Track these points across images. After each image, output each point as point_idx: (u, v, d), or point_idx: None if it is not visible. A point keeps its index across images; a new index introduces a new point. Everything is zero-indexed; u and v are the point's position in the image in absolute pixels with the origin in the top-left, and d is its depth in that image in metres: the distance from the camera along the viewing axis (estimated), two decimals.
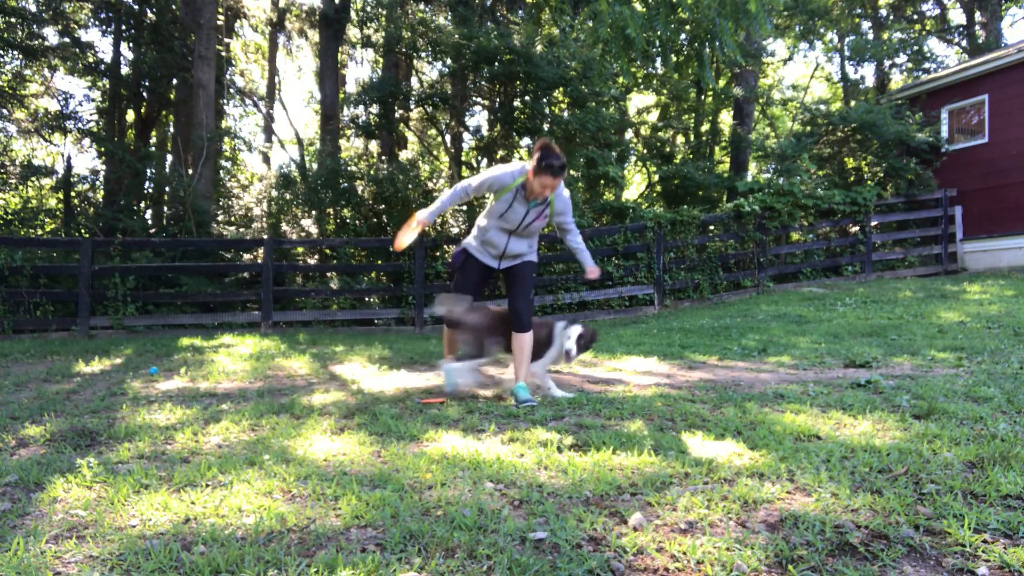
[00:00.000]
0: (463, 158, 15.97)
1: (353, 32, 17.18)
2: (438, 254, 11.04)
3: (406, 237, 3.98)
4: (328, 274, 11.36)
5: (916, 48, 20.24)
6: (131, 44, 15.24)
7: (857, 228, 12.51)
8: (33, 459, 2.70)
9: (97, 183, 14.99)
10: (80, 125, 15.45)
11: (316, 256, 12.32)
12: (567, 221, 4.16)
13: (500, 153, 13.89)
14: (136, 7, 14.51)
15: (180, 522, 1.99)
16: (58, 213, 14.60)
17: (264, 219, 13.03)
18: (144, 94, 15.41)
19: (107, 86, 15.60)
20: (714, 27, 6.55)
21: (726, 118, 20.32)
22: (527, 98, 12.83)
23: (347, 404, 3.88)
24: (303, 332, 9.08)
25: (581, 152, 12.04)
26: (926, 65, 20.11)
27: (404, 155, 16.93)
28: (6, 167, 14.22)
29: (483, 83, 13.39)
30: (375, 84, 13.97)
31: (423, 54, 14.63)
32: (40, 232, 13.74)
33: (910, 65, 20.92)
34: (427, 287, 10.30)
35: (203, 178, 11.83)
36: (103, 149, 14.28)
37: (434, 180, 12.46)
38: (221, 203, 13.33)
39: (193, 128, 12.07)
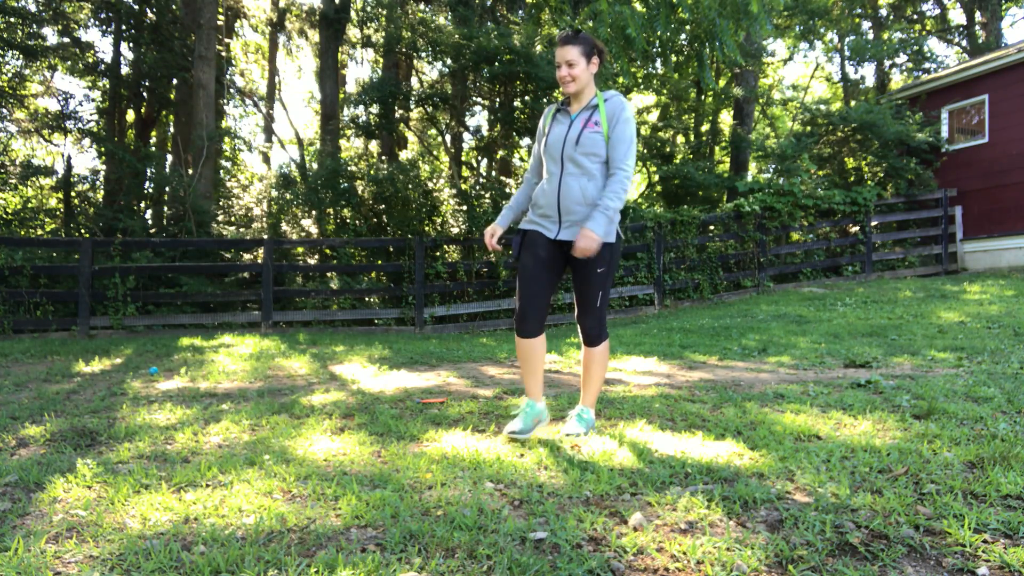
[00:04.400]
0: (463, 158, 15.98)
1: (353, 32, 17.19)
2: (438, 254, 11.04)
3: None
4: (328, 274, 11.36)
5: (916, 48, 20.25)
6: (131, 44, 15.24)
7: (857, 228, 12.51)
8: (33, 459, 2.70)
9: (97, 183, 14.99)
10: (80, 125, 15.45)
11: (316, 256, 12.32)
12: (614, 145, 2.90)
13: (500, 153, 13.90)
14: (136, 7, 14.51)
15: (180, 522, 1.99)
16: (58, 213, 14.60)
17: (264, 219, 13.02)
18: (144, 94, 15.42)
19: (107, 86, 15.61)
20: (714, 27, 6.55)
21: (726, 118, 20.32)
22: (527, 98, 12.83)
23: (347, 404, 3.88)
24: (303, 332, 9.08)
25: None
26: (926, 65, 20.11)
27: (404, 155, 16.94)
28: (6, 167, 14.22)
29: (483, 83, 13.39)
30: (375, 84, 13.97)
31: (423, 54, 14.63)
32: (40, 232, 13.74)
33: (910, 65, 20.92)
34: (427, 287, 10.30)
35: (203, 178, 11.83)
36: (103, 149, 14.28)
37: (434, 180, 12.46)
38: (221, 203, 13.33)
39: (193, 128, 12.07)
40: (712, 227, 12.32)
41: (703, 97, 18.15)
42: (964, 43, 21.26)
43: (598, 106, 2.96)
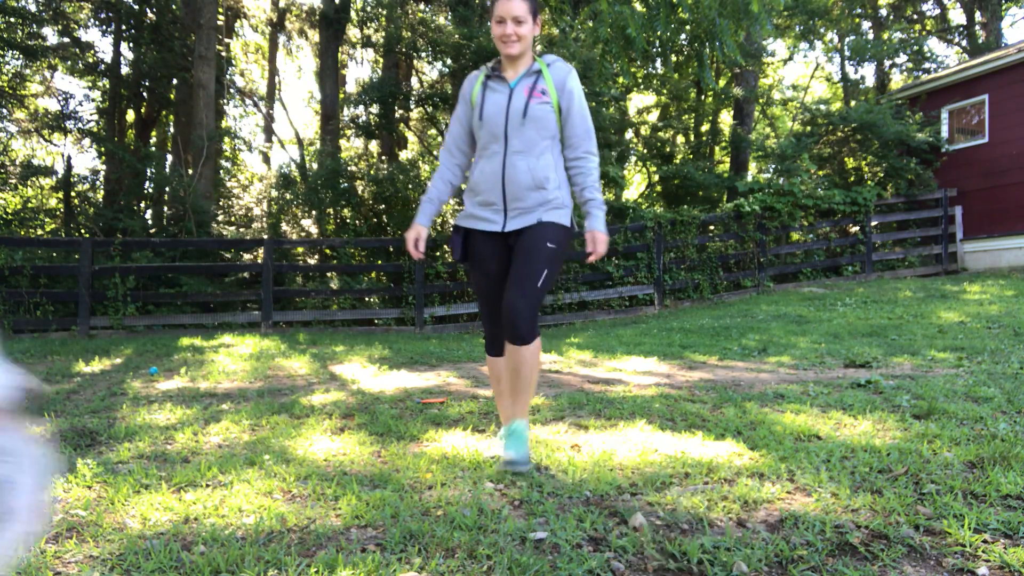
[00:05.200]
0: None
1: (353, 32, 17.18)
2: (438, 254, 11.04)
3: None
4: (328, 274, 11.36)
5: (916, 48, 20.25)
6: (131, 44, 15.24)
7: (857, 228, 12.51)
8: None
9: (97, 183, 15.00)
10: (80, 125, 15.46)
11: (316, 256, 12.32)
12: (575, 125, 2.55)
13: None
14: (136, 7, 14.51)
15: (180, 522, 1.99)
16: (58, 213, 14.61)
17: (264, 219, 13.03)
18: (144, 94, 15.42)
19: (107, 86, 15.61)
20: (714, 27, 6.55)
21: (726, 118, 20.32)
22: None
23: (347, 404, 3.88)
24: (303, 332, 9.08)
25: None
26: (926, 65, 20.12)
27: (404, 155, 16.93)
28: (6, 167, 14.22)
29: None
30: (375, 84, 13.97)
31: (423, 54, 14.62)
32: (40, 232, 13.74)
33: (910, 65, 20.93)
34: (427, 287, 10.30)
35: (203, 178, 11.83)
36: (103, 149, 14.29)
37: None
38: (221, 203, 13.33)
39: (193, 128, 12.07)
40: (712, 227, 12.32)
41: (703, 97, 18.15)
42: (964, 43, 21.26)
43: (541, 72, 2.54)
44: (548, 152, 2.53)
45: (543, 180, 2.51)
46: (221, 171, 15.45)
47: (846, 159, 14.62)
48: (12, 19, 13.36)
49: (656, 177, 16.94)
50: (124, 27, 14.82)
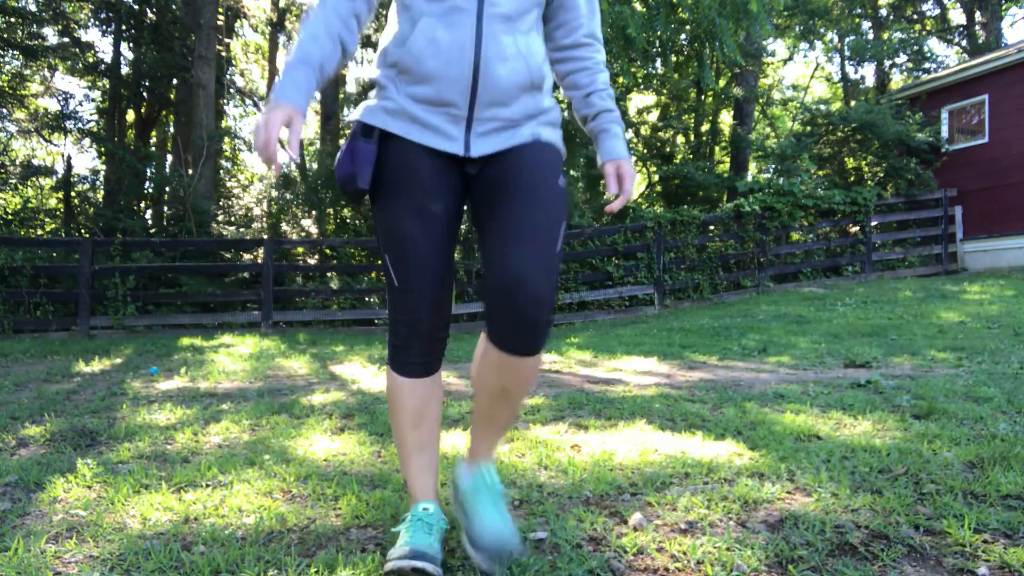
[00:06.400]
0: None
1: None
2: None
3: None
4: (328, 274, 11.36)
5: (916, 48, 20.26)
6: (131, 44, 15.26)
7: (857, 228, 12.51)
8: (33, 459, 2.70)
9: (97, 183, 15.02)
10: (80, 125, 15.49)
11: (316, 256, 12.32)
12: (577, 2, 1.57)
13: None
14: (136, 7, 14.52)
15: (180, 522, 1.99)
16: (58, 213, 14.61)
17: (264, 219, 13.03)
18: (144, 94, 15.43)
19: (107, 86, 15.63)
20: (714, 27, 6.57)
21: (726, 118, 20.32)
22: None
23: (347, 404, 3.88)
24: (303, 332, 9.08)
25: (581, 152, 12.05)
26: (926, 65, 20.12)
27: None
28: (6, 167, 14.23)
29: None
30: None
31: None
32: (40, 232, 13.75)
33: (910, 65, 20.93)
34: None
35: (203, 178, 11.83)
36: (103, 149, 14.31)
37: None
38: (221, 203, 13.34)
39: (193, 128, 12.08)
40: (712, 227, 12.33)
41: (703, 97, 18.15)
42: (964, 43, 21.27)
43: None
44: (535, 30, 1.53)
45: (540, 76, 1.51)
46: (221, 171, 15.47)
47: (846, 159, 14.62)
48: (12, 19, 13.37)
49: (656, 177, 16.94)
50: (124, 27, 14.83)
